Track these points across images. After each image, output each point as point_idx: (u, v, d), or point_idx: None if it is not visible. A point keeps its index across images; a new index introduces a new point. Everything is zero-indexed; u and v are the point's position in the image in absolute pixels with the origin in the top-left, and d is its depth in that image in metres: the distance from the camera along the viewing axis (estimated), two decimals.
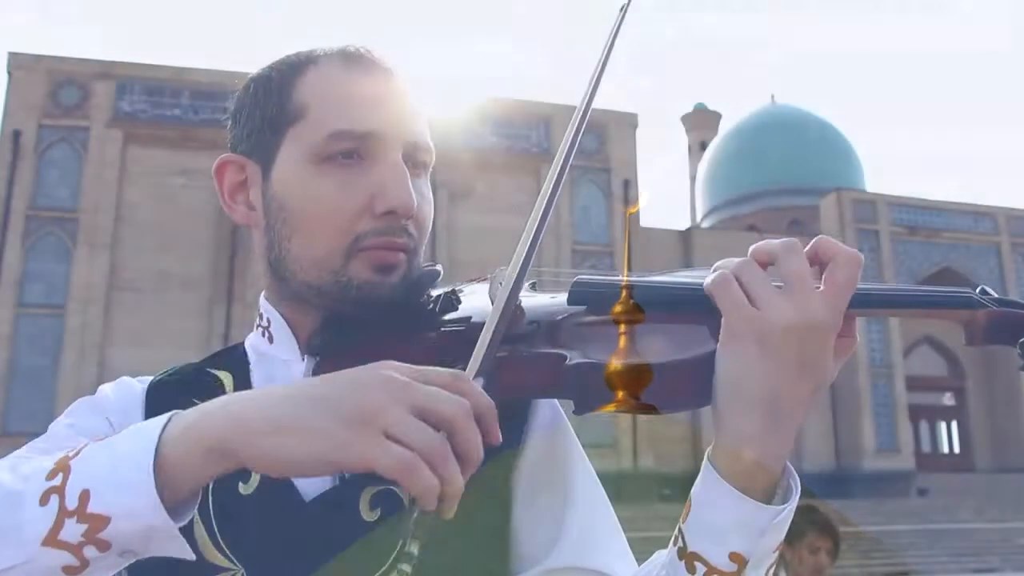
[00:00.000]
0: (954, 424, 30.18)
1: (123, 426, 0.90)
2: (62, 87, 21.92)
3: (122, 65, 22.84)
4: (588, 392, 0.73)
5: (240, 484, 0.85)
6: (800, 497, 0.75)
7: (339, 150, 0.87)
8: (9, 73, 21.90)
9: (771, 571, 0.75)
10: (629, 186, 24.60)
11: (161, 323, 20.88)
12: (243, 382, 0.95)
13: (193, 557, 0.67)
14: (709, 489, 0.73)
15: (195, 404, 0.92)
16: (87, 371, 19.66)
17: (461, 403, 0.62)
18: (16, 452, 0.83)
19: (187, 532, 0.67)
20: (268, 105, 0.91)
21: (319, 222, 0.88)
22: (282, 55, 0.96)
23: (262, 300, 0.98)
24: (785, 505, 0.73)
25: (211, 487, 0.84)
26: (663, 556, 0.79)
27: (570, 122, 0.81)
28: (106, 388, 0.95)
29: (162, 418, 0.66)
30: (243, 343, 1.00)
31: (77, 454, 0.66)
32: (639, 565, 0.87)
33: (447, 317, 0.87)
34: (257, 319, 0.99)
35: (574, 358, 0.74)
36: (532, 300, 0.84)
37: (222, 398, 0.68)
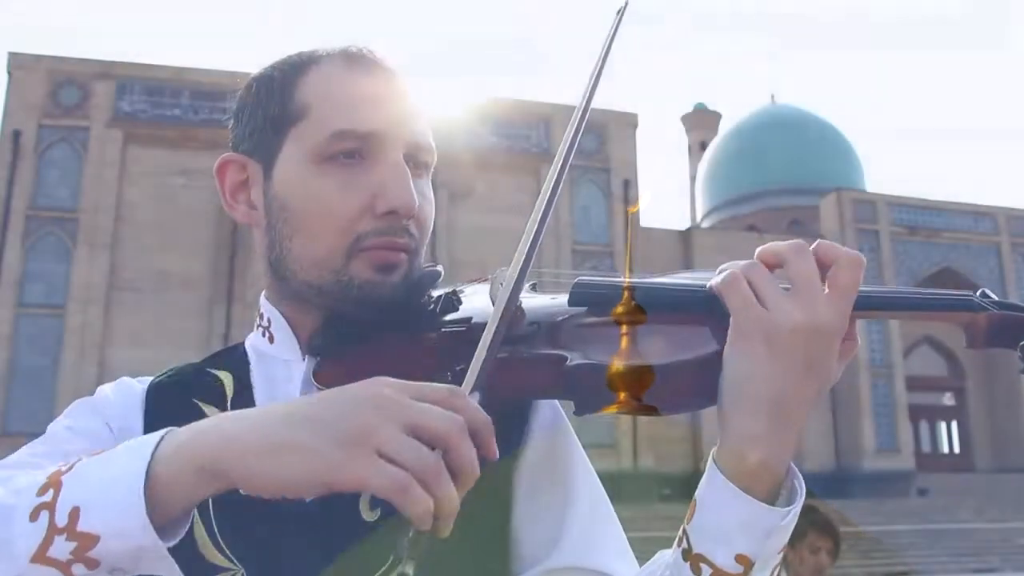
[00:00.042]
0: (954, 424, 30.19)
1: (122, 428, 0.90)
2: (62, 87, 21.92)
3: (122, 65, 22.84)
4: (589, 393, 0.73)
5: None
6: None
7: (341, 150, 0.87)
8: (9, 73, 21.91)
9: (776, 573, 0.75)
10: (629, 186, 24.60)
11: (161, 323, 20.89)
12: (243, 382, 0.94)
13: None
14: (715, 490, 0.73)
15: (195, 404, 0.92)
16: (87, 371, 19.66)
17: (455, 419, 0.61)
18: (12, 457, 0.83)
19: (187, 532, 0.67)
20: (270, 105, 0.91)
21: (320, 222, 0.88)
22: (284, 55, 0.96)
23: (262, 300, 0.98)
24: (791, 507, 0.73)
25: None
26: (667, 556, 0.79)
27: (570, 122, 0.81)
28: (105, 389, 0.95)
29: (156, 435, 0.65)
30: (243, 343, 1.00)
31: (70, 469, 0.65)
32: (639, 565, 0.87)
33: (448, 318, 0.87)
34: (257, 319, 0.99)
35: (575, 359, 0.74)
36: (533, 301, 0.84)
37: (217, 416, 0.68)
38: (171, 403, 0.93)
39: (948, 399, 30.01)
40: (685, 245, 26.61)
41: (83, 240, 21.12)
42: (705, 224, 38.90)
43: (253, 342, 0.98)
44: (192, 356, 1.16)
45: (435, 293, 0.92)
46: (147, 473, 0.62)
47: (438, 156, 0.95)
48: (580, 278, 0.81)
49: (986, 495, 23.25)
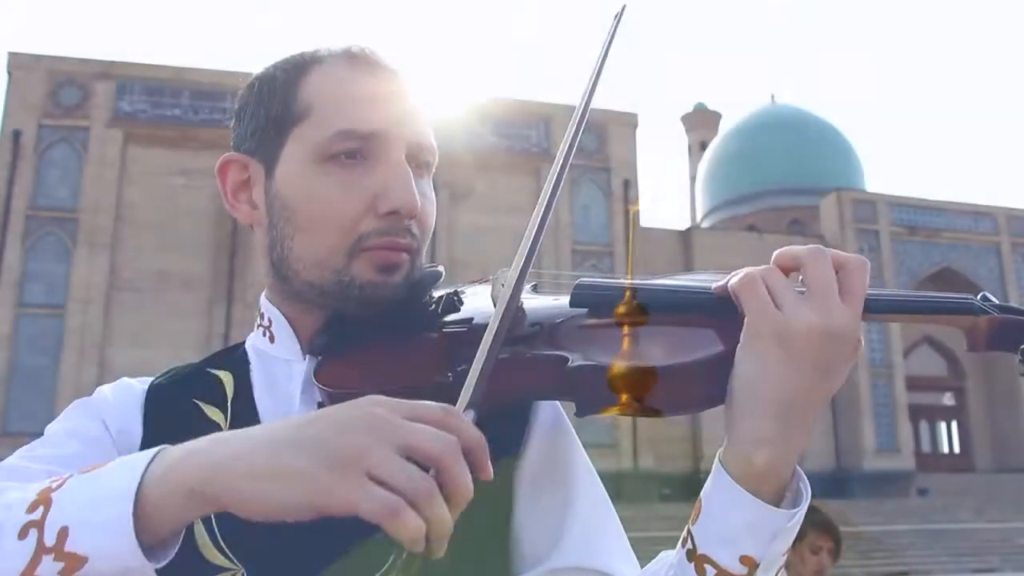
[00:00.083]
0: (954, 424, 30.19)
1: (120, 429, 0.90)
2: (62, 87, 21.91)
3: (122, 65, 22.83)
4: (590, 394, 0.73)
5: None
6: None
7: (343, 150, 0.87)
8: (9, 73, 21.90)
9: (779, 574, 0.75)
10: (629, 186, 24.60)
11: (161, 323, 20.89)
12: (243, 382, 0.94)
13: None
14: (721, 491, 0.73)
15: (195, 404, 0.92)
16: (87, 371, 19.66)
17: (448, 440, 0.59)
18: (8, 461, 0.83)
19: (187, 532, 0.67)
20: (272, 104, 0.91)
21: (322, 221, 0.88)
22: (286, 54, 0.96)
23: (263, 299, 0.98)
24: (797, 509, 0.73)
25: None
26: (670, 556, 0.79)
27: (570, 122, 0.81)
28: (104, 390, 0.95)
29: (149, 453, 0.64)
30: (243, 343, 1.00)
31: (60, 486, 0.64)
32: (640, 565, 0.88)
33: (449, 318, 0.87)
34: (258, 319, 0.99)
35: (576, 360, 0.74)
36: (534, 302, 0.84)
37: (210, 436, 0.65)
38: (171, 404, 0.92)
39: (948, 399, 30.01)
40: (685, 245, 26.60)
41: (83, 240, 21.11)
42: (705, 224, 38.90)
43: (253, 342, 0.98)
44: (192, 356, 1.16)
45: (436, 293, 0.92)
46: (137, 494, 0.61)
47: (439, 156, 0.95)
48: (581, 279, 0.81)
49: (986, 495, 23.25)
